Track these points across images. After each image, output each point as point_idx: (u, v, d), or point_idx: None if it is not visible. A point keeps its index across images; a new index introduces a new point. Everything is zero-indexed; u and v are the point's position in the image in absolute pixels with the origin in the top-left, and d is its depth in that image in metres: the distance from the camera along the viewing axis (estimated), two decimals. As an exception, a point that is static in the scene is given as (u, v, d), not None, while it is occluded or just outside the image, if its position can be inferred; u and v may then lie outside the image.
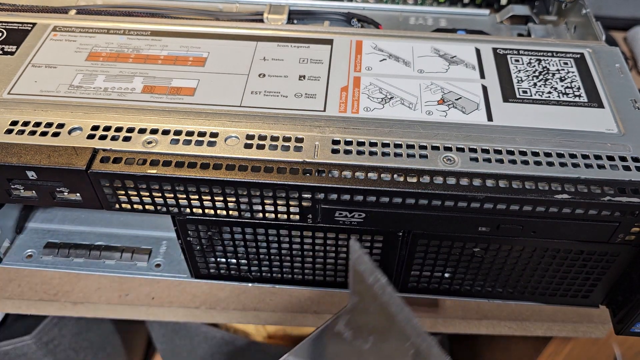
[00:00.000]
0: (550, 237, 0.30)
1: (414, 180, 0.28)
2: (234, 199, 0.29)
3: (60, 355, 0.62)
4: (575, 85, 0.34)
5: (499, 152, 0.30)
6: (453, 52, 0.36)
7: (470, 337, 0.83)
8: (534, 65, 0.35)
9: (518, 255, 0.32)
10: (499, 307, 0.46)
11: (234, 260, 0.34)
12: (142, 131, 0.30)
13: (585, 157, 0.29)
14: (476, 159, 0.29)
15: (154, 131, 0.30)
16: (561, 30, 0.44)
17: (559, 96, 0.33)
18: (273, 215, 0.30)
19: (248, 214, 0.30)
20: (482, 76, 0.34)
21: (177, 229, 0.32)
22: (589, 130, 0.31)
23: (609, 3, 0.68)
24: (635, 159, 0.29)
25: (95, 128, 0.30)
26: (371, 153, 0.29)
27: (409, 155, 0.29)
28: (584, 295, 0.34)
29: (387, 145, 0.30)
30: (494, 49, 0.36)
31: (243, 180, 0.28)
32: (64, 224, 0.40)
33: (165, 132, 0.30)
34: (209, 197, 0.29)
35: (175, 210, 0.30)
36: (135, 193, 0.29)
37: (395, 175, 0.28)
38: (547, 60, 0.35)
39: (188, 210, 0.30)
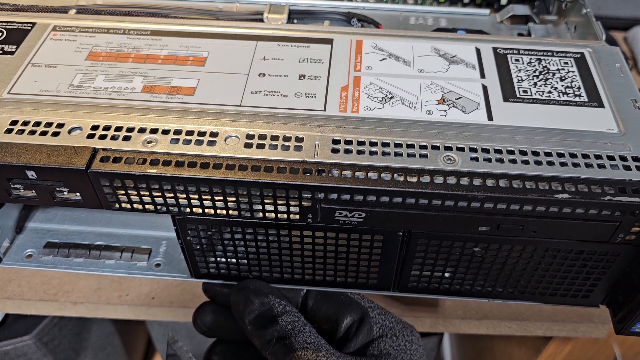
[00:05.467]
0: (550, 236, 0.30)
1: (414, 179, 0.28)
2: (234, 199, 0.29)
3: (60, 355, 0.62)
4: (575, 85, 0.34)
5: (499, 151, 0.29)
6: (453, 51, 0.36)
7: (470, 337, 0.83)
8: (534, 65, 0.35)
9: (518, 255, 0.32)
10: (499, 307, 0.46)
11: (234, 260, 0.34)
12: (142, 131, 0.30)
13: (585, 156, 0.29)
14: (476, 159, 0.29)
15: (153, 131, 0.30)
16: (561, 30, 0.44)
17: (559, 96, 0.33)
18: (273, 215, 0.30)
19: (248, 214, 0.30)
20: (483, 76, 0.34)
21: (177, 229, 0.32)
22: (589, 130, 0.31)
23: (609, 3, 0.69)
24: (635, 159, 0.29)
25: (95, 127, 0.30)
26: (371, 152, 0.29)
27: (409, 155, 0.29)
28: (584, 295, 0.34)
29: (387, 144, 0.30)
30: (494, 49, 0.36)
31: (243, 179, 0.28)
32: (64, 223, 0.40)
33: (165, 132, 0.30)
34: (209, 197, 0.29)
35: (175, 209, 0.30)
36: (135, 192, 0.29)
37: (395, 175, 0.28)
38: (548, 59, 0.35)
39: (188, 209, 0.30)
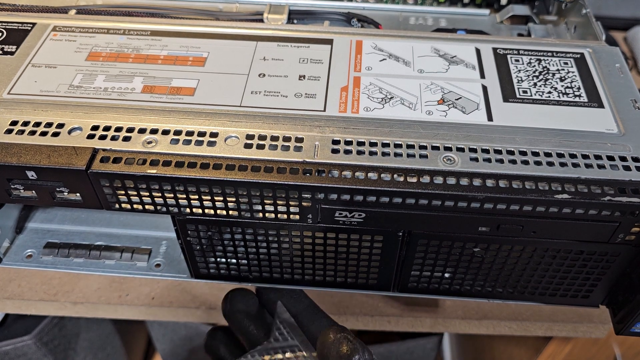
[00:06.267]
0: (550, 237, 0.30)
1: (414, 180, 0.28)
2: (233, 199, 0.29)
3: (60, 355, 0.62)
4: (575, 85, 0.34)
5: (499, 152, 0.30)
6: (453, 52, 0.36)
7: (470, 337, 0.83)
8: (534, 65, 0.35)
9: (518, 255, 0.32)
10: (499, 307, 0.46)
11: (234, 260, 0.34)
12: (142, 131, 0.30)
13: (585, 157, 0.29)
14: (476, 159, 0.29)
15: (153, 131, 0.30)
16: (561, 30, 0.44)
17: (559, 96, 0.33)
18: (273, 215, 0.30)
19: (248, 214, 0.30)
20: (482, 76, 0.34)
21: (177, 229, 0.32)
22: (589, 130, 0.31)
23: (609, 3, 0.69)
24: (635, 159, 0.29)
25: (95, 128, 0.30)
26: (371, 153, 0.29)
27: (409, 155, 0.29)
28: (584, 295, 0.34)
29: (387, 145, 0.30)
30: (494, 49, 0.36)
31: (243, 180, 0.28)
32: (64, 224, 0.40)
33: (165, 132, 0.30)
34: (209, 197, 0.29)
35: (175, 210, 0.30)
36: (135, 193, 0.29)
37: (395, 175, 0.28)
38: (547, 60, 0.35)
39: (188, 210, 0.30)
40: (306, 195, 0.28)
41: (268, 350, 0.32)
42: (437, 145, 0.30)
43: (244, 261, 0.34)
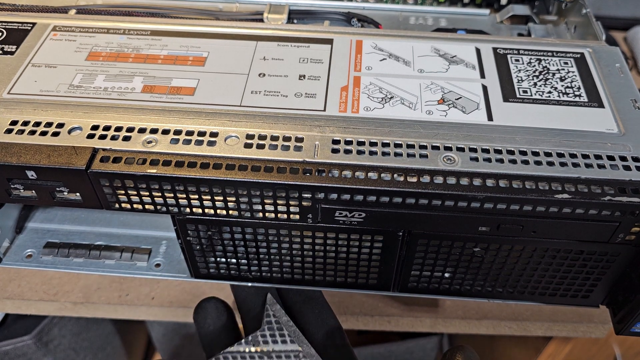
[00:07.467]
0: (550, 237, 0.30)
1: (414, 180, 0.28)
2: (234, 199, 0.29)
3: (60, 355, 0.62)
4: (575, 85, 0.34)
5: (499, 151, 0.29)
6: (453, 51, 0.36)
7: (470, 337, 0.83)
8: (534, 65, 0.35)
9: (518, 255, 0.32)
10: (499, 307, 0.46)
11: (234, 260, 0.34)
12: (142, 131, 0.30)
13: (585, 156, 0.29)
14: (476, 159, 0.29)
15: (153, 131, 0.30)
16: (561, 30, 0.44)
17: (559, 96, 0.33)
18: (273, 215, 0.30)
19: (248, 214, 0.30)
20: (482, 76, 0.34)
21: (177, 229, 0.32)
22: (589, 130, 0.31)
23: (609, 3, 0.69)
24: (635, 159, 0.29)
25: (95, 128, 0.30)
26: (371, 153, 0.29)
27: (409, 155, 0.29)
28: (584, 295, 0.34)
29: (387, 145, 0.30)
30: (494, 49, 0.36)
31: (243, 180, 0.28)
32: (64, 223, 0.40)
33: (165, 132, 0.30)
34: (209, 197, 0.29)
35: (175, 210, 0.30)
36: (135, 193, 0.29)
37: (395, 175, 0.28)
38: (547, 60, 0.35)
39: (188, 210, 0.30)
40: (306, 195, 0.28)
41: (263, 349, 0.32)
42: (437, 145, 0.30)
43: (244, 261, 0.34)
